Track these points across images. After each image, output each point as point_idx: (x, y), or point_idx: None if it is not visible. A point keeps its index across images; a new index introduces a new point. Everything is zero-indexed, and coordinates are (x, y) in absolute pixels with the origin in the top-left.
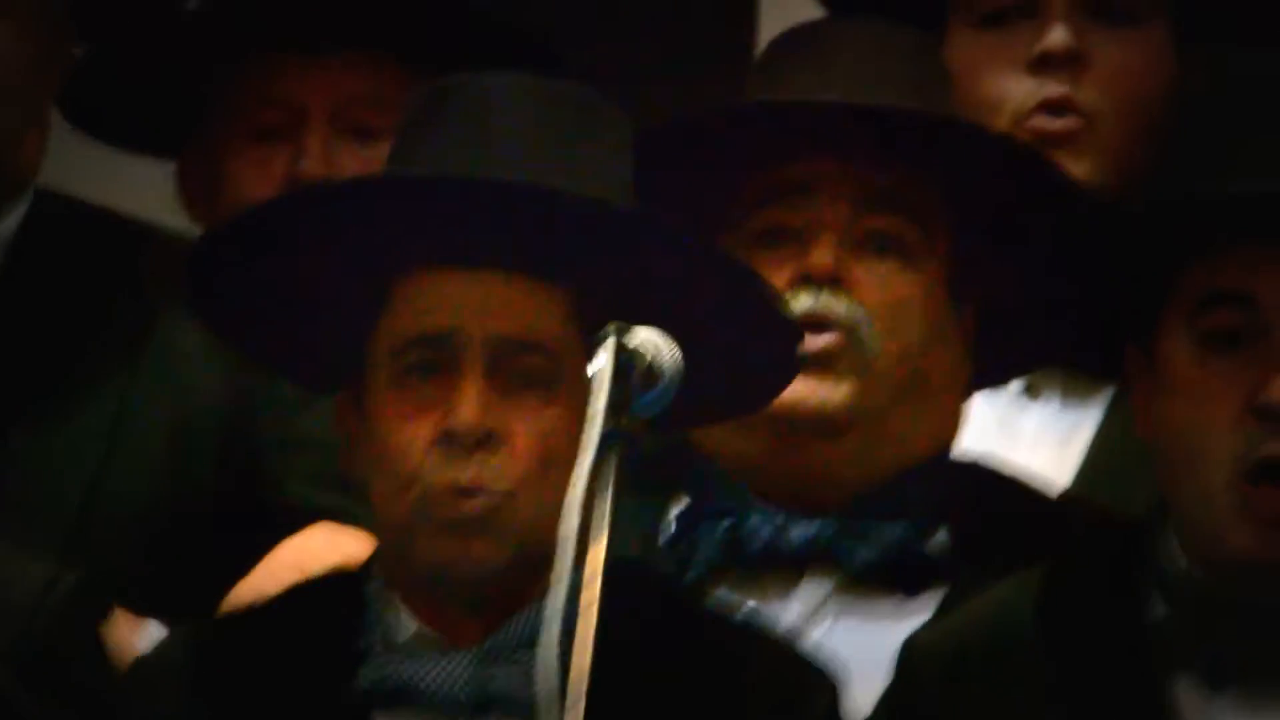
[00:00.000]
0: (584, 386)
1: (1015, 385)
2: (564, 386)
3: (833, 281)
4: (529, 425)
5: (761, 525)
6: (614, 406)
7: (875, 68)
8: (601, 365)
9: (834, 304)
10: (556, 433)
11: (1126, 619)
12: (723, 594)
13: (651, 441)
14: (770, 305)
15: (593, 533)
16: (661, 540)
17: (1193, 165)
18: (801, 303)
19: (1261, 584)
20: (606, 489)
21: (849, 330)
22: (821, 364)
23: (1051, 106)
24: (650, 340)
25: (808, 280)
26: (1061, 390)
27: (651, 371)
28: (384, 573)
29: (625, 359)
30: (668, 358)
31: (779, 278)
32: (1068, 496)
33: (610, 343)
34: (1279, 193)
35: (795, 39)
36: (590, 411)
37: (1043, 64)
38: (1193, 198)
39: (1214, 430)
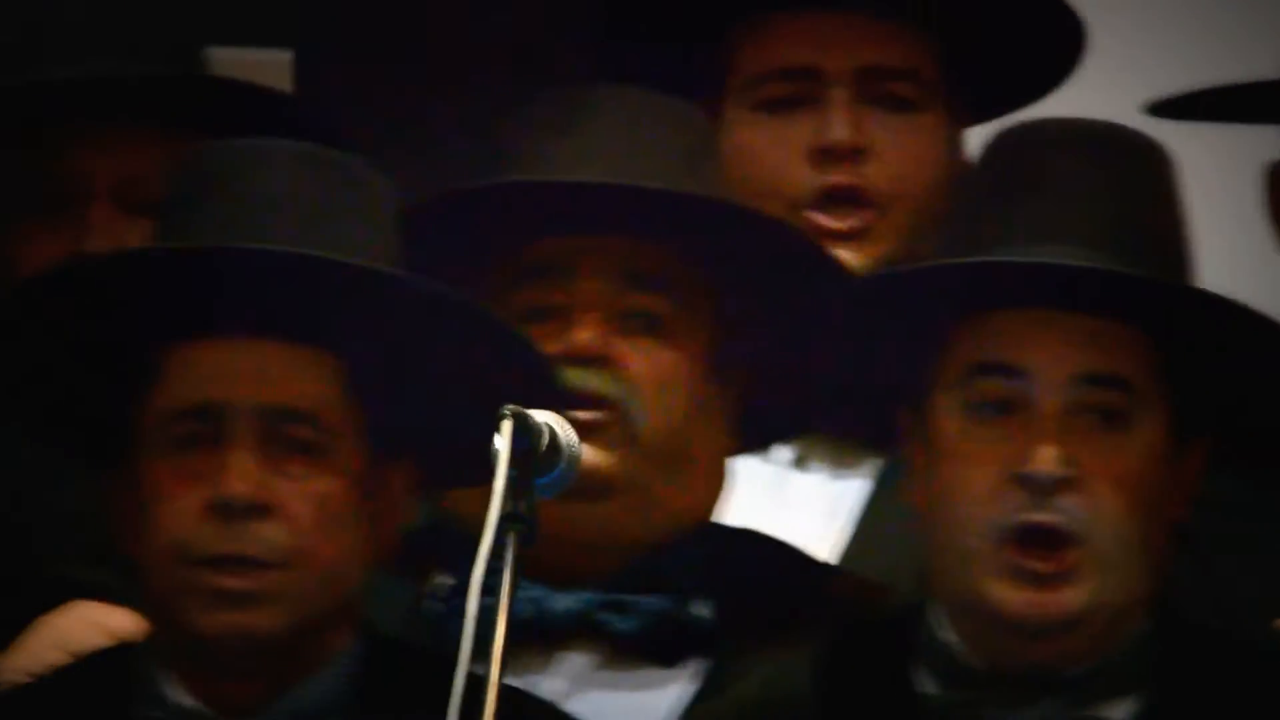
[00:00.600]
0: (356, 453)
1: (785, 455)
2: (339, 455)
3: (599, 360)
4: (301, 494)
5: (520, 603)
6: (512, 488)
7: (638, 140)
8: (499, 447)
9: (601, 382)
10: (331, 499)
11: (900, 696)
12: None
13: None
14: (539, 364)
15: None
16: (425, 615)
17: (966, 234)
18: (569, 380)
19: (1022, 653)
20: (504, 569)
21: (616, 407)
22: (590, 432)
23: (835, 196)
24: (548, 423)
25: (574, 359)
26: (830, 460)
27: (551, 453)
28: (155, 647)
29: (524, 441)
30: (564, 440)
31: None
32: (834, 567)
33: (507, 425)
34: (1042, 263)
35: (554, 105)
36: (492, 492)
37: (825, 155)
38: (935, 266)
39: (979, 496)
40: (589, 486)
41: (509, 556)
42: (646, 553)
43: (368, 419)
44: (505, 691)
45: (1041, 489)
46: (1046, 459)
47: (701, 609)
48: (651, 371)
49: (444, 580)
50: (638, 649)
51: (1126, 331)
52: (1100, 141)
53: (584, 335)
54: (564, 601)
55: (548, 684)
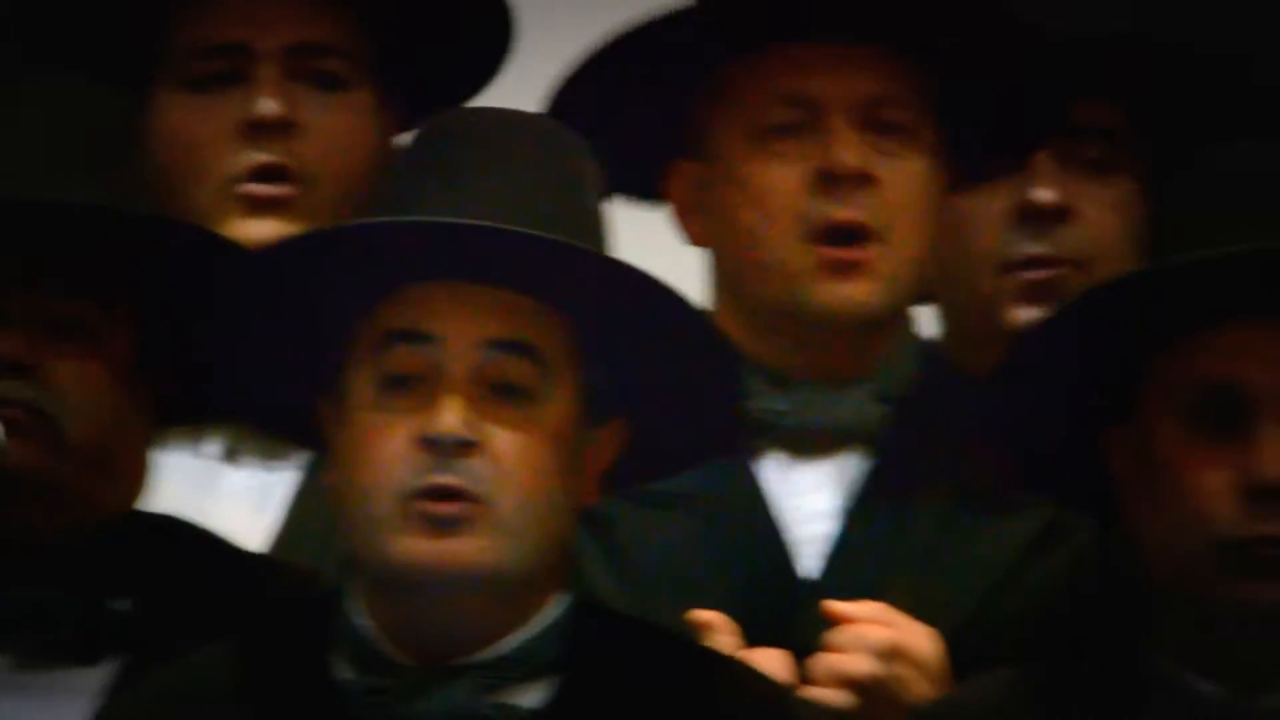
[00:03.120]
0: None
1: (215, 448)
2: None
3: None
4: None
5: None
6: None
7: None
8: None
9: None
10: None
11: (316, 683)
12: None
13: None
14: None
15: None
16: None
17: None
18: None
19: (433, 633)
20: None
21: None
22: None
23: (263, 173)
24: None
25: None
26: (261, 453)
27: None
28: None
29: None
30: None
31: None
32: (260, 555)
33: None
34: (422, 221)
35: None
36: None
37: (254, 130)
38: (319, 233)
39: (388, 461)
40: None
41: None
42: (64, 551)
43: None
44: None
45: (445, 451)
46: (451, 422)
47: (121, 603)
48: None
49: None
50: (54, 649)
51: (541, 306)
52: (519, 130)
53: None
54: None
55: None
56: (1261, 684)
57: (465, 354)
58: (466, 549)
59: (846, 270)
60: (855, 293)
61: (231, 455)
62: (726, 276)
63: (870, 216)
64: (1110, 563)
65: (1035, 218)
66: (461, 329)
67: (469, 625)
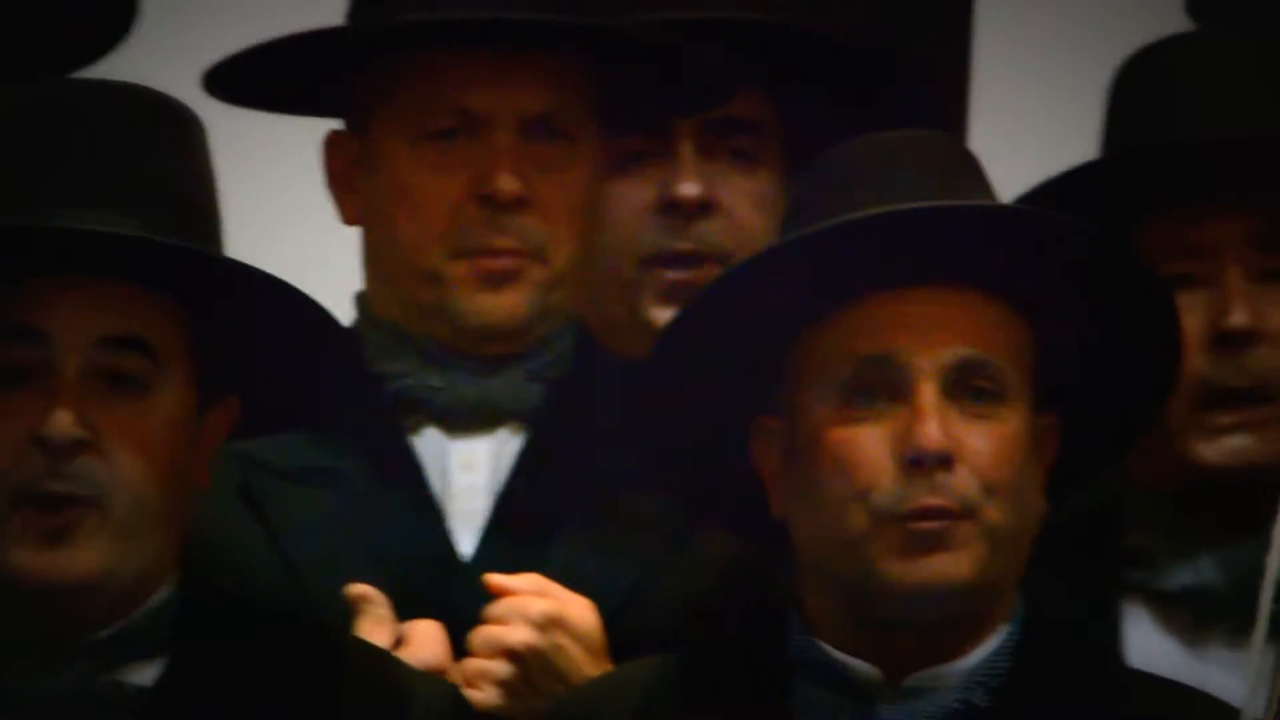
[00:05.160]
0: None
1: None
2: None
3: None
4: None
5: None
6: None
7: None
8: None
9: None
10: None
11: None
12: None
13: None
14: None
15: None
16: None
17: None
18: None
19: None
20: None
21: None
22: None
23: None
24: None
25: None
26: None
27: None
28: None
29: None
30: None
31: None
32: None
33: None
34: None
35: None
36: None
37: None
38: None
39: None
40: None
41: None
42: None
43: None
44: None
45: (57, 453)
46: (61, 423)
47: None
48: None
49: None
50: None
51: (155, 296)
52: (132, 105)
53: None
54: None
55: None
56: (913, 662)
57: (74, 351)
58: (78, 562)
59: (498, 281)
60: (505, 303)
61: None
62: (379, 256)
63: (529, 237)
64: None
65: (677, 211)
66: (72, 325)
67: (82, 618)
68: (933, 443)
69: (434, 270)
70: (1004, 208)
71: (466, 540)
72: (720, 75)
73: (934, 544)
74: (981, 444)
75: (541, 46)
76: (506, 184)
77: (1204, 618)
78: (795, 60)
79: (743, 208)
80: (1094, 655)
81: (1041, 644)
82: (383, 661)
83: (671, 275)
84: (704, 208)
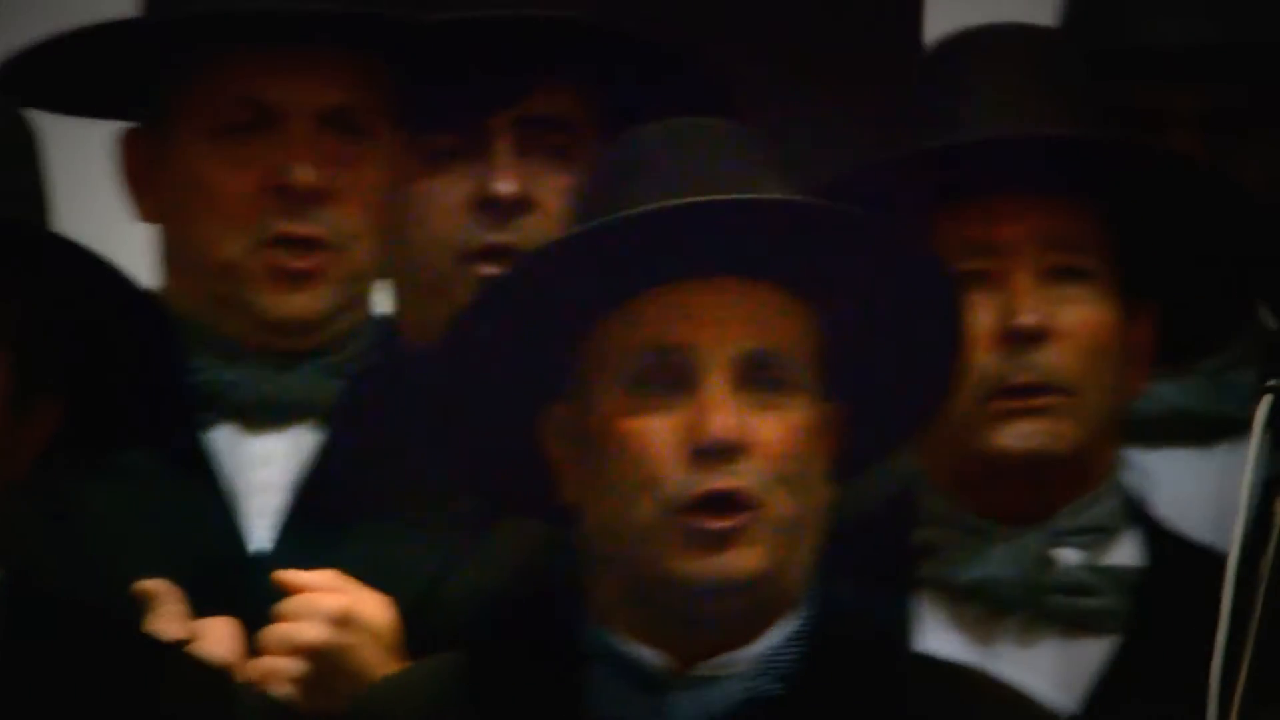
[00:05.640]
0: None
1: None
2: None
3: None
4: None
5: None
6: None
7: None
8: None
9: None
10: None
11: None
12: None
13: None
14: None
15: None
16: None
17: None
18: None
19: None
20: None
21: None
22: None
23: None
24: None
25: None
26: None
27: None
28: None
29: None
30: None
31: None
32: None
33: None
34: None
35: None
36: None
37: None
38: None
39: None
40: None
41: None
42: None
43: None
44: None
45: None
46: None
47: None
48: None
49: None
50: None
51: None
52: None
53: None
54: None
55: None
56: (703, 651)
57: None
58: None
59: (296, 276)
60: (304, 298)
61: None
62: (178, 252)
63: (328, 230)
64: (556, 540)
65: (495, 207)
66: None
67: None
68: (722, 431)
69: (232, 263)
70: (788, 201)
71: (265, 537)
72: (516, 73)
73: (722, 541)
74: (770, 434)
75: (334, 40)
76: (303, 175)
77: (994, 611)
78: (602, 58)
79: (559, 204)
80: (883, 642)
81: (831, 631)
82: (211, 673)
83: (488, 270)
84: (520, 204)
